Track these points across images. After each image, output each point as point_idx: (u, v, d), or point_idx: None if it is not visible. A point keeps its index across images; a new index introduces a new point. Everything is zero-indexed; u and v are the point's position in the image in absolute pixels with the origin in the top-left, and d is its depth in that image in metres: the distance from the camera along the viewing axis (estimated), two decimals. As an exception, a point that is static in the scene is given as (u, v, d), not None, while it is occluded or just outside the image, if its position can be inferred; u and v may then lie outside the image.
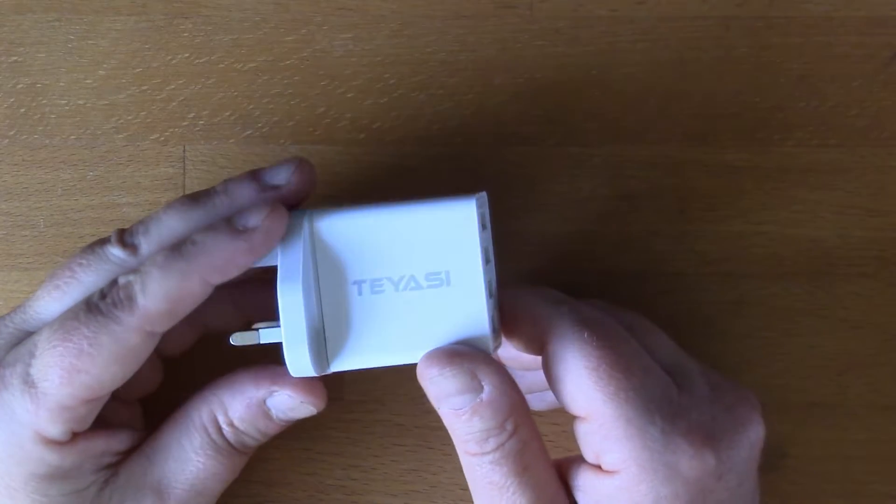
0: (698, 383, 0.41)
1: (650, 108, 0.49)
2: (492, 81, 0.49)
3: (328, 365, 0.41)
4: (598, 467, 0.41)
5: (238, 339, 0.42)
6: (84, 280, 0.42)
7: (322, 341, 0.41)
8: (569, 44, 0.49)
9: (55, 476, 0.41)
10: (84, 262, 0.42)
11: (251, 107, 0.49)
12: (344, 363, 0.41)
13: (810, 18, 0.49)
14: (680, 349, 0.43)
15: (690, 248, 0.49)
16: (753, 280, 0.49)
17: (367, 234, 0.41)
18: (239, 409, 0.43)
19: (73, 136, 0.49)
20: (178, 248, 0.40)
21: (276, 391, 0.43)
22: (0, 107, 0.49)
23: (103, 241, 0.43)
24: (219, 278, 0.41)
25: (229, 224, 0.41)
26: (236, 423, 0.43)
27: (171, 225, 0.42)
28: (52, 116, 0.49)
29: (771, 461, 0.48)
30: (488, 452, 0.40)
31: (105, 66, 0.49)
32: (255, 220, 0.41)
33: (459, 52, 0.49)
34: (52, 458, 0.41)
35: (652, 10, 0.49)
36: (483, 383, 0.40)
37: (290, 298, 0.41)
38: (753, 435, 0.41)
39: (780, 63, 0.49)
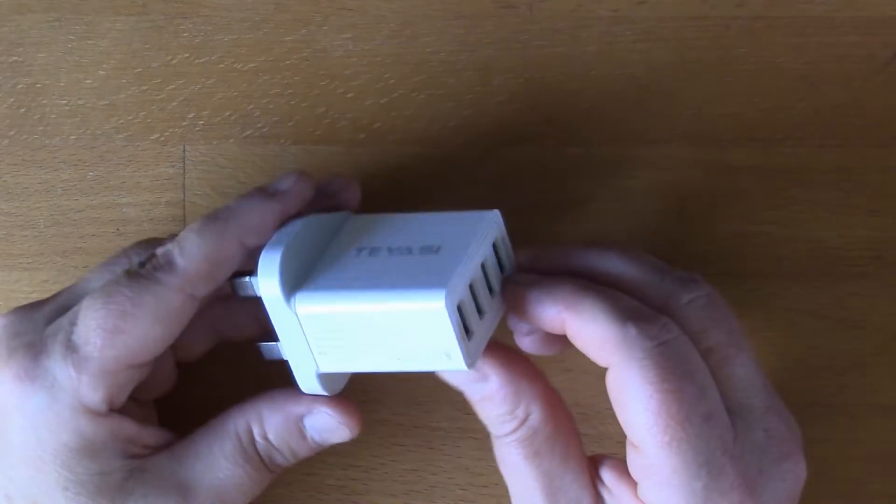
0: (755, 429, 0.41)
1: (650, 108, 0.49)
2: (492, 81, 0.49)
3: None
4: (635, 485, 0.41)
5: (266, 351, 0.43)
6: (135, 262, 0.43)
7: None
8: (569, 44, 0.49)
9: (85, 451, 0.42)
10: (140, 249, 0.44)
11: (251, 107, 0.49)
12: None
13: (810, 18, 0.49)
14: (754, 376, 0.42)
15: (690, 248, 0.49)
16: (753, 280, 0.49)
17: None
18: (276, 423, 0.43)
19: (73, 136, 0.49)
20: (213, 214, 0.42)
21: (316, 409, 0.43)
22: (0, 107, 0.49)
23: (158, 239, 0.44)
24: (254, 240, 0.42)
25: (262, 190, 0.43)
26: (270, 436, 0.43)
27: None
28: (52, 116, 0.49)
29: (771, 461, 0.48)
30: (504, 436, 0.42)
31: (105, 66, 0.49)
32: (285, 184, 0.43)
33: (459, 52, 0.49)
34: (86, 428, 0.41)
35: (652, 10, 0.49)
36: (489, 373, 0.41)
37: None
38: (795, 486, 0.41)
39: (780, 63, 0.49)
